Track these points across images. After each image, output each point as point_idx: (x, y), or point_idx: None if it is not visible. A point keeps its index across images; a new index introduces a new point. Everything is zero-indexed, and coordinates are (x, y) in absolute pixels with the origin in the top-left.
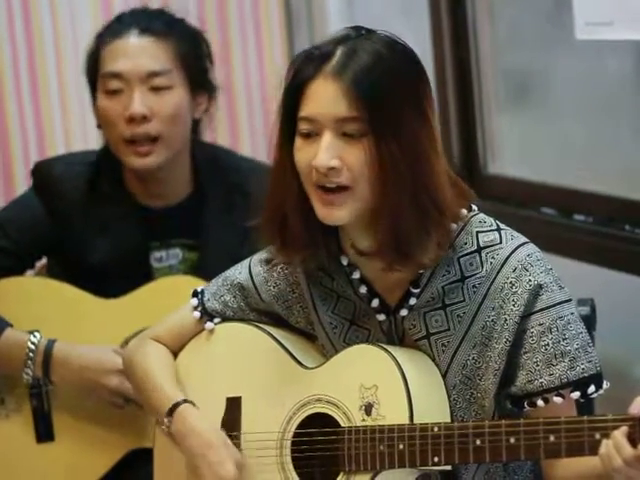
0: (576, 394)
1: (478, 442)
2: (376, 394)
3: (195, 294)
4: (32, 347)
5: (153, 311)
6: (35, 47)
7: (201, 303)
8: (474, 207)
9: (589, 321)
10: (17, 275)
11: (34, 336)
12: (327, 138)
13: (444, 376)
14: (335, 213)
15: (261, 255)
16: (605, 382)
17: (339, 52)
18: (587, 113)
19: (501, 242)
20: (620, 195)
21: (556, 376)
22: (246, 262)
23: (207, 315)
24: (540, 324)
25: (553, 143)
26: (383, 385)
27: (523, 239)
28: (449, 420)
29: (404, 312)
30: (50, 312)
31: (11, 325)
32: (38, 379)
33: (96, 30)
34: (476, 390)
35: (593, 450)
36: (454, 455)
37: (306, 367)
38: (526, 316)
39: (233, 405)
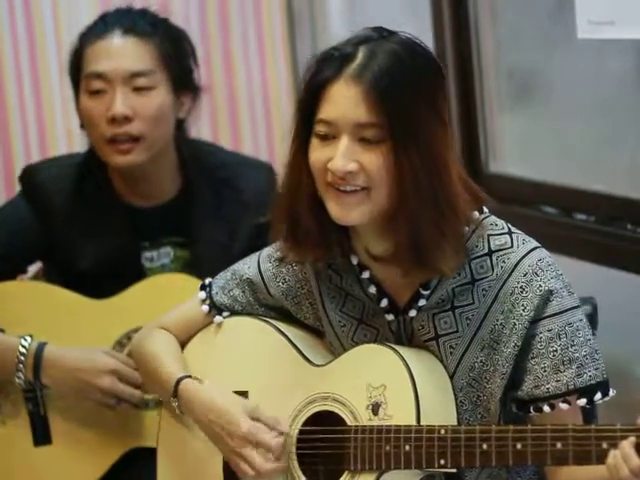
0: (582, 401)
1: (485, 446)
2: (384, 394)
3: (203, 287)
4: (23, 351)
5: (145, 310)
6: (37, 46)
7: (209, 296)
8: (485, 209)
9: (590, 320)
10: (8, 279)
11: (25, 340)
12: (345, 142)
13: (451, 378)
14: (350, 213)
15: (270, 250)
16: (612, 390)
17: (360, 54)
18: (589, 112)
19: (512, 246)
20: (622, 194)
21: (563, 382)
22: (255, 257)
23: (215, 309)
24: (549, 330)
25: (555, 142)
26: (391, 385)
27: (534, 243)
28: (455, 422)
29: (413, 313)
30: (43, 314)
31: (2, 330)
32: (31, 383)
33: None
34: (482, 393)
35: (600, 459)
36: (460, 458)
37: (314, 364)
38: (535, 321)
39: None
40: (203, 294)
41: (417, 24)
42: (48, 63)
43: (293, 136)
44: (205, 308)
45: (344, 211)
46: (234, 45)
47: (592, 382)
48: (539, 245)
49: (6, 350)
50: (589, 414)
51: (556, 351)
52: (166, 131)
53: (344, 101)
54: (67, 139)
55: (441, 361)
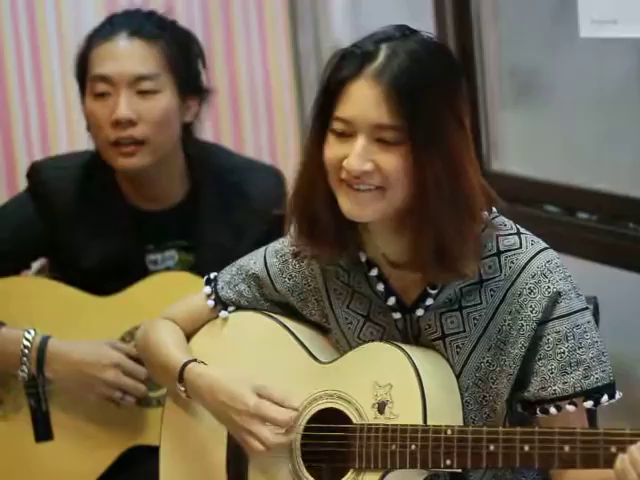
0: (589, 403)
1: (492, 448)
2: (390, 393)
3: (208, 281)
4: (27, 344)
5: (149, 307)
6: (39, 46)
7: (214, 291)
8: (494, 209)
9: None
10: (12, 275)
11: (28, 333)
12: (361, 142)
13: (457, 377)
14: (363, 210)
15: (276, 246)
16: (618, 392)
17: (382, 53)
18: (591, 110)
19: (521, 247)
20: (624, 193)
21: (570, 384)
22: (261, 252)
23: (221, 304)
24: (557, 331)
25: (557, 141)
26: (398, 384)
27: (543, 244)
28: (461, 422)
29: (420, 312)
30: (46, 310)
31: (4, 324)
32: (34, 377)
33: None
34: (489, 393)
35: (608, 463)
36: (467, 459)
37: (320, 361)
38: (543, 323)
39: None
40: (208, 289)
41: (420, 23)
42: (50, 63)
43: (310, 133)
44: (210, 303)
45: (356, 206)
46: (236, 43)
47: (599, 384)
48: (548, 246)
49: (10, 343)
50: (589, 414)
51: (563, 353)
52: (171, 135)
53: (364, 100)
54: (69, 138)
55: (448, 361)
